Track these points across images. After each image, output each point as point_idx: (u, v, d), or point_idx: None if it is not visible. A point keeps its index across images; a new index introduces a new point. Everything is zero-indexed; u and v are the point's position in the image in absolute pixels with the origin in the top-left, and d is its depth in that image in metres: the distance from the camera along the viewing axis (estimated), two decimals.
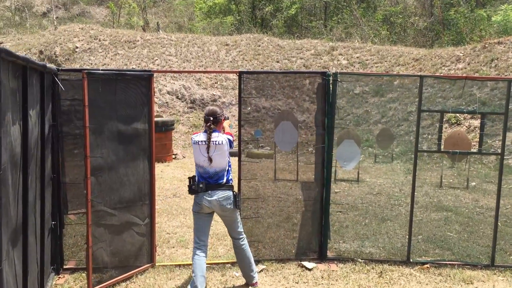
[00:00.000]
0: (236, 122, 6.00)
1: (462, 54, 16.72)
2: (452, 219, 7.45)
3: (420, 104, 5.61)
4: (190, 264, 4.97)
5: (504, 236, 6.50)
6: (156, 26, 25.00)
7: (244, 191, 5.48)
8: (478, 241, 6.37)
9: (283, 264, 5.45)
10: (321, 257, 5.63)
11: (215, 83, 18.29)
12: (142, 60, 18.77)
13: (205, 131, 4.56)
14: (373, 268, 5.38)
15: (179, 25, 28.87)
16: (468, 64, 16.06)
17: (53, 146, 4.93)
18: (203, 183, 4.51)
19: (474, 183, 10.24)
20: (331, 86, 5.49)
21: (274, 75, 6.62)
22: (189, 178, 4.60)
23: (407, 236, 5.74)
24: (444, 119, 11.11)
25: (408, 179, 10.42)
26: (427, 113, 13.40)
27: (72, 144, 5.32)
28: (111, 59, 18.73)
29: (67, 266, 5.26)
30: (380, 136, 10.16)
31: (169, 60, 19.11)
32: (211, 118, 4.52)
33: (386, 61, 18.78)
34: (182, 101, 17.16)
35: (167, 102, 16.87)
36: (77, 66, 17.59)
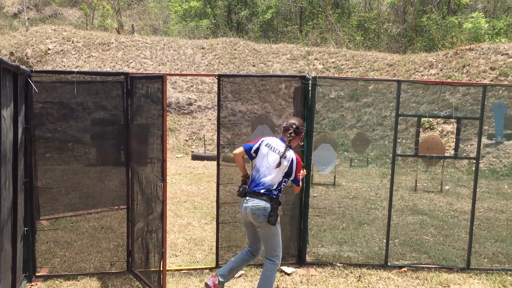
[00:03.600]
0: (213, 126, 5.92)
1: (434, 60, 17.04)
2: (428, 222, 7.53)
3: (398, 108, 5.65)
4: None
5: (478, 239, 6.60)
6: (130, 29, 24.72)
7: (221, 196, 5.41)
8: (454, 244, 6.45)
9: (261, 269, 5.39)
10: (300, 262, 5.60)
11: (191, 86, 18.17)
12: (116, 63, 18.51)
13: (281, 139, 4.36)
14: (351, 272, 5.37)
15: (154, 28, 28.63)
16: (441, 70, 16.37)
17: (26, 149, 4.78)
18: (244, 187, 4.28)
19: (447, 187, 10.41)
20: (310, 90, 5.48)
21: (250, 79, 6.53)
22: (243, 179, 4.40)
23: (385, 240, 5.76)
24: None
25: (383, 183, 10.54)
26: (401, 117, 13.58)
27: (44, 147, 5.18)
28: (85, 61, 18.41)
29: (39, 274, 5.09)
30: (355, 140, 10.25)
31: (144, 63, 18.90)
32: (294, 126, 4.31)
33: (361, 66, 18.99)
34: (158, 104, 16.95)
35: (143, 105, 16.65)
36: (49, 68, 17.20)
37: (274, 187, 4.22)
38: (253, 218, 4.15)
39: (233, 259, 4.47)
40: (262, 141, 4.40)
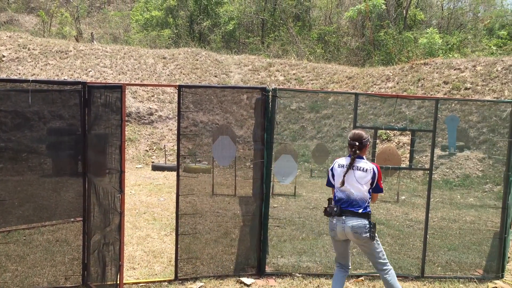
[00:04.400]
0: (174, 136, 5.89)
1: (391, 74, 17.56)
2: (384, 231, 7.70)
3: (356, 120, 5.79)
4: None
5: (432, 247, 6.80)
6: (90, 37, 24.30)
7: (181, 207, 5.37)
8: (409, 253, 6.62)
9: (221, 281, 5.38)
10: (260, 273, 5.61)
11: (152, 96, 17.99)
12: (75, 71, 18.12)
13: (349, 156, 4.36)
14: (310, 283, 5.43)
15: (115, 36, 28.24)
16: (397, 83, 16.88)
17: None
18: (338, 206, 4.29)
19: (403, 197, 10.70)
20: (270, 101, 5.54)
21: (212, 89, 6.54)
22: (328, 199, 4.44)
23: None
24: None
25: None
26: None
27: None
28: (41, 69, 17.93)
29: None
30: (315, 151, 10.41)
31: (104, 71, 18.59)
32: (357, 143, 4.29)
33: (321, 78, 19.34)
34: (117, 114, 16.69)
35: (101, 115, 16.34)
36: (3, 76, 16.66)
37: (366, 203, 4.31)
38: (355, 236, 4.24)
39: (334, 283, 4.53)
40: (333, 165, 4.48)
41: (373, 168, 4.30)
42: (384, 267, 4.38)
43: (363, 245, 4.35)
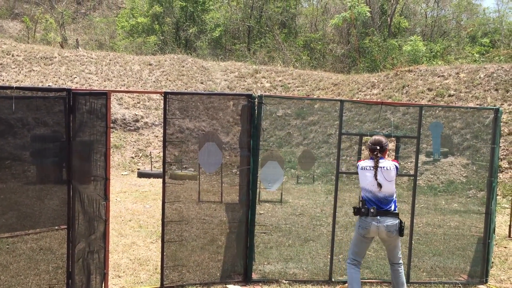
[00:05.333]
0: (161, 143, 5.87)
1: (376, 81, 17.72)
2: None
3: (341, 127, 5.83)
4: None
5: (417, 253, 6.85)
6: (75, 43, 24.15)
7: (167, 214, 5.34)
8: None
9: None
10: (246, 280, 5.59)
11: (138, 102, 17.90)
12: (59, 78, 17.98)
13: (371, 158, 4.73)
14: None
15: (100, 42, 28.09)
16: (382, 90, 17.05)
17: None
18: (374, 208, 4.60)
19: None
20: (256, 108, 5.55)
21: (198, 96, 6.53)
22: (361, 200, 4.73)
23: (329, 256, 5.87)
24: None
25: (329, 199, 10.75)
26: (346, 135, 13.99)
27: None
28: (25, 75, 17.75)
29: None
30: (302, 157, 10.44)
31: (89, 78, 18.46)
32: (378, 147, 4.69)
33: (307, 85, 19.44)
34: (102, 121, 16.57)
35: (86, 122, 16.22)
36: None
37: (395, 200, 4.72)
38: (388, 234, 4.62)
39: (353, 283, 4.80)
40: (358, 168, 4.84)
41: (395, 165, 4.74)
42: (400, 261, 4.89)
43: (390, 241, 4.74)
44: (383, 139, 4.82)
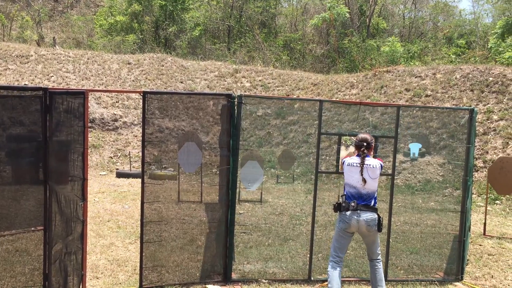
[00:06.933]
0: (140, 143, 5.83)
1: (355, 81, 17.89)
2: None
3: (320, 127, 5.87)
4: None
5: (395, 251, 6.95)
6: (52, 41, 23.76)
7: (146, 214, 5.31)
8: None
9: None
10: (226, 279, 5.59)
11: (116, 102, 17.72)
12: (36, 76, 17.67)
13: (358, 155, 4.81)
14: None
15: (78, 41, 27.71)
16: (361, 90, 17.22)
17: None
18: (355, 202, 4.70)
19: None
20: (236, 108, 5.55)
21: (178, 95, 6.50)
22: (342, 195, 4.83)
23: (309, 255, 5.91)
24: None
25: (308, 199, 10.81)
26: (325, 135, 14.09)
27: None
28: (1, 74, 17.40)
29: None
30: (281, 157, 10.48)
31: (67, 77, 18.20)
32: (364, 144, 4.78)
33: (287, 85, 19.51)
34: (80, 120, 16.36)
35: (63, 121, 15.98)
36: None
37: (375, 198, 4.82)
38: (367, 229, 4.73)
39: (335, 284, 4.82)
40: (344, 164, 4.92)
41: (381, 164, 4.85)
42: (379, 257, 5.01)
43: (369, 236, 4.85)
44: (369, 136, 4.91)
